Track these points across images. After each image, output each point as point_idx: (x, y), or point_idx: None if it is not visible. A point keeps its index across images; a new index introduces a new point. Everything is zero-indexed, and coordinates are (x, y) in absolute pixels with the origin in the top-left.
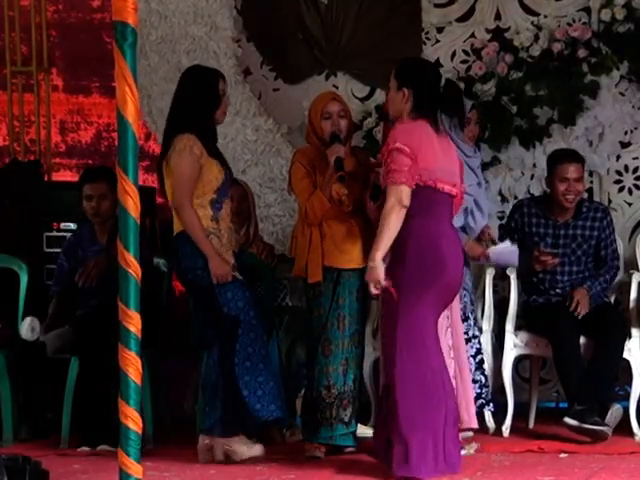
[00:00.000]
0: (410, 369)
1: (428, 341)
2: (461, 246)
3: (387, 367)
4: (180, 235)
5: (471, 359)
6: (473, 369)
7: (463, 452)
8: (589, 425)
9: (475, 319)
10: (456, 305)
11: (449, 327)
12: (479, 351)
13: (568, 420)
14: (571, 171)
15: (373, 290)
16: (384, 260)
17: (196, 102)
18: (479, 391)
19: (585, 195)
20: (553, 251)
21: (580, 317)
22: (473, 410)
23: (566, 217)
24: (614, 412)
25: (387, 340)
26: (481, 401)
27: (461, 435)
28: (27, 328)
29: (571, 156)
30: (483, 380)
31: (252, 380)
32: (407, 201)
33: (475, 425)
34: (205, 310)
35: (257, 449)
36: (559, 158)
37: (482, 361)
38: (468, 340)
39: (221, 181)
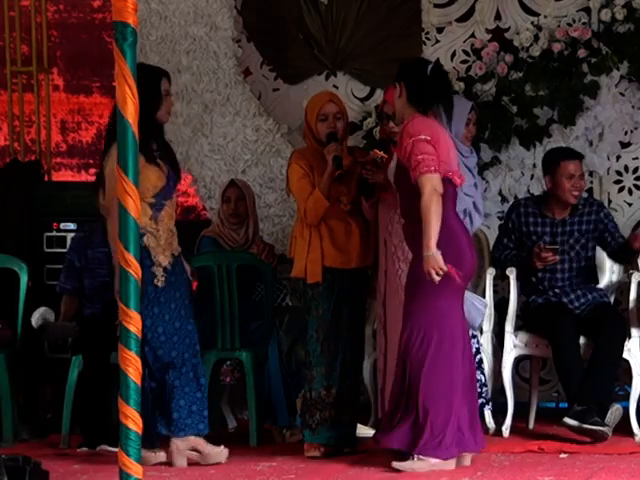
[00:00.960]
0: (438, 357)
1: (454, 331)
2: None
3: (412, 353)
4: None
5: None
6: None
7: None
8: (589, 425)
9: None
10: None
11: None
12: (478, 351)
13: (568, 420)
14: (576, 168)
15: (435, 277)
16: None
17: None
18: (478, 390)
19: (585, 195)
20: (554, 246)
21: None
22: None
23: (563, 215)
24: (614, 412)
25: (410, 327)
26: (480, 400)
27: None
28: (38, 317)
29: (574, 153)
30: (482, 379)
31: None
32: (441, 188)
33: None
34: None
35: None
36: (563, 155)
37: (481, 360)
38: None
39: (160, 188)
